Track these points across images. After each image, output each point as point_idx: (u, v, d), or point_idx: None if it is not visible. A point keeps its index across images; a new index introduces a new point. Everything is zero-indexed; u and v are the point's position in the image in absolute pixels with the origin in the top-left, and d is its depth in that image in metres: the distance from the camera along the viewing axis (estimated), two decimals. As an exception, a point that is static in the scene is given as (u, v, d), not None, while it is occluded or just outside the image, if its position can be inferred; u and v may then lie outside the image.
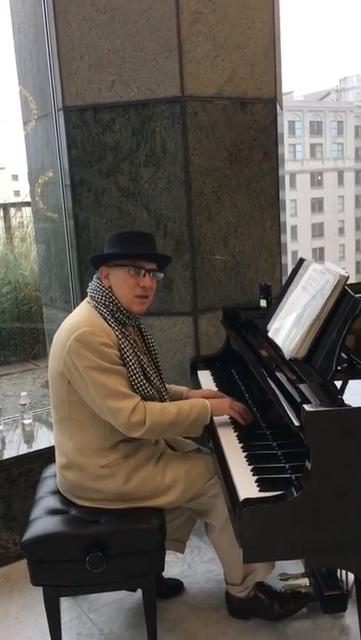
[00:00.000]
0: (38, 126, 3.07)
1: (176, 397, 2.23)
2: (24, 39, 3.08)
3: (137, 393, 1.97)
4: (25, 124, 3.21)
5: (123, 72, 2.68)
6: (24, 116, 3.21)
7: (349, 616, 2.16)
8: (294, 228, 45.22)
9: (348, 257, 49.02)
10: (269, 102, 2.94)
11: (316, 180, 49.14)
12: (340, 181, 50.63)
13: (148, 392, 2.00)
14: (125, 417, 1.90)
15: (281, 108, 3.04)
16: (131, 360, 1.97)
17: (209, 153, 2.77)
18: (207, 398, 2.13)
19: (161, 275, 2.14)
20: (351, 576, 2.12)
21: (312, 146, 49.49)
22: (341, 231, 49.99)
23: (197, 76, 2.69)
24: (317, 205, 49.04)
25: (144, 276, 2.04)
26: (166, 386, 2.30)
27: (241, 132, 2.85)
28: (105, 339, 1.94)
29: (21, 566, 2.32)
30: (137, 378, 1.98)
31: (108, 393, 1.91)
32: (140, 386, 1.98)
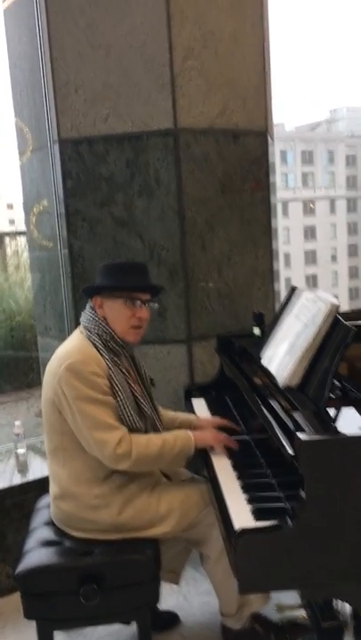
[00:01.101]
0: (34, 157, 3.12)
1: (183, 426, 2.23)
2: (20, 73, 3.14)
3: (125, 425, 1.97)
4: (21, 154, 3.26)
5: (117, 105, 2.73)
6: (20, 147, 3.26)
7: (347, 647, 2.13)
8: (287, 256, 45.59)
9: (342, 284, 49.36)
10: (261, 134, 3.00)
11: (308, 207, 49.72)
12: (333, 209, 51.25)
13: (136, 424, 2.00)
14: (111, 449, 1.90)
15: (272, 139, 3.10)
16: (121, 391, 1.98)
17: (202, 183, 2.82)
18: (216, 426, 2.15)
19: (155, 305, 2.16)
20: (348, 606, 2.10)
21: (304, 174, 50.21)
22: (334, 258, 50.43)
23: (190, 109, 2.75)
24: (310, 233, 49.54)
25: (140, 307, 2.06)
26: (174, 413, 2.31)
27: (233, 163, 2.90)
28: (95, 368, 1.95)
29: (15, 599, 2.28)
30: (125, 409, 1.98)
31: (94, 424, 1.91)
32: (129, 418, 1.98)
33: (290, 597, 2.23)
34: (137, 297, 2.06)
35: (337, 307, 1.85)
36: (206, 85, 2.77)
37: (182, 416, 2.33)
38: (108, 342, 2.03)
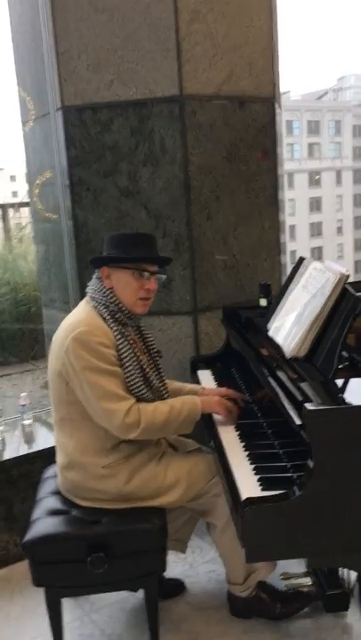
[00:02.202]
0: (36, 126, 3.06)
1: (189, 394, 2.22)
2: (21, 39, 3.07)
3: (132, 395, 1.97)
4: (23, 124, 3.20)
5: (121, 71, 2.67)
6: (22, 117, 3.20)
7: (352, 615, 2.16)
8: (293, 228, 45.27)
9: (347, 256, 49.07)
10: (268, 101, 2.93)
11: (314, 179, 49.18)
12: (339, 181, 50.67)
13: (143, 394, 2.00)
14: (120, 419, 1.90)
15: (280, 106, 3.04)
16: (128, 361, 1.97)
17: (208, 152, 2.77)
18: (221, 396, 2.15)
19: (164, 276, 2.14)
20: (353, 575, 2.12)
21: (310, 145, 49.53)
22: (340, 230, 50.04)
23: (196, 75, 2.68)
24: (316, 205, 49.08)
25: (148, 278, 2.04)
26: (180, 384, 2.31)
27: (240, 131, 2.84)
28: (102, 338, 1.94)
29: (22, 567, 2.31)
30: (133, 379, 1.98)
31: (102, 394, 1.91)
32: (136, 387, 1.98)
33: (296, 566, 2.25)
34: (145, 268, 2.04)
35: (346, 277, 1.83)
36: (213, 50, 2.70)
37: (188, 386, 2.33)
38: (116, 313, 2.02)
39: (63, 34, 2.69)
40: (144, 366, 2.05)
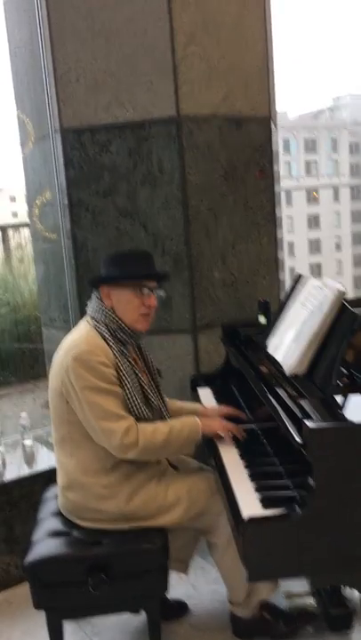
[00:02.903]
0: (36, 148, 3.10)
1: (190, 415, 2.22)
2: (20, 62, 3.11)
3: (132, 414, 1.97)
4: (22, 146, 3.24)
5: (119, 93, 2.71)
6: (21, 139, 3.24)
7: (356, 633, 2.13)
8: (291, 245, 45.46)
9: (346, 272, 49.21)
10: (264, 121, 2.97)
11: (311, 196, 49.51)
12: (336, 197, 51.00)
13: (143, 413, 2.00)
14: (118, 438, 1.90)
15: (275, 126, 3.07)
16: (128, 380, 1.98)
17: (205, 172, 2.80)
18: (222, 415, 2.14)
19: (163, 293, 2.15)
20: (357, 593, 2.10)
21: (307, 163, 49.93)
22: (338, 247, 50.25)
23: (192, 96, 2.72)
24: (314, 221, 49.34)
25: (148, 295, 2.05)
26: (181, 403, 2.31)
27: (237, 150, 2.88)
28: (103, 358, 1.95)
29: (24, 589, 2.29)
30: (133, 399, 1.98)
31: (101, 413, 1.91)
32: (136, 407, 1.98)
33: (298, 585, 2.23)
34: (145, 285, 2.05)
35: (343, 293, 1.84)
36: (209, 71, 2.74)
37: (189, 405, 2.33)
38: (116, 332, 2.03)
39: (61, 57, 2.73)
40: (144, 385, 2.06)
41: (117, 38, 2.67)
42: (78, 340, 1.99)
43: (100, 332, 2.01)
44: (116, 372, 1.96)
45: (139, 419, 1.98)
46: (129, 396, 1.97)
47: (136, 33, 2.65)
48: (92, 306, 2.09)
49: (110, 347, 1.99)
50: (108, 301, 2.06)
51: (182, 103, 2.70)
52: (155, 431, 1.97)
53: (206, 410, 2.29)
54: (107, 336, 2.01)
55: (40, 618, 1.99)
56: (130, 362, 2.03)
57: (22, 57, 3.07)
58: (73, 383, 1.92)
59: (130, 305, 2.04)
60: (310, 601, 2.18)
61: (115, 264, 2.09)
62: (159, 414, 2.11)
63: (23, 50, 3.04)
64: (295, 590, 2.20)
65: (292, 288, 2.22)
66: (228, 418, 2.18)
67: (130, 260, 2.10)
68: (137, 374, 2.04)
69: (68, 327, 2.91)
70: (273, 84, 3.03)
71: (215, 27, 2.74)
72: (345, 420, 1.58)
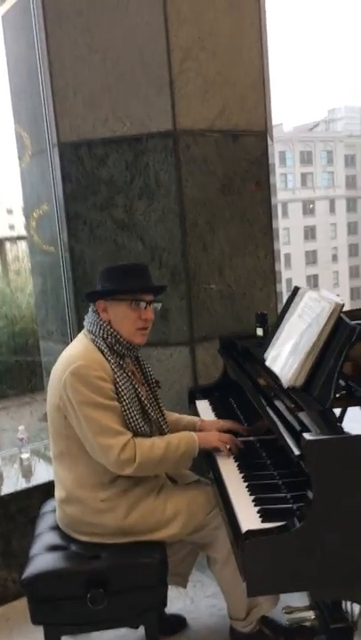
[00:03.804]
0: (33, 162, 3.11)
1: (188, 428, 2.22)
2: (18, 77, 3.14)
3: (130, 429, 1.97)
4: (20, 159, 3.25)
5: (115, 108, 2.73)
6: (19, 152, 3.26)
7: (356, 649, 2.11)
8: (288, 256, 45.56)
9: (343, 284, 49.32)
10: (260, 134, 2.99)
11: (308, 208, 49.73)
12: (332, 209, 51.22)
13: (141, 428, 1.99)
14: (115, 454, 1.90)
15: (271, 139, 3.10)
16: (126, 394, 1.97)
17: (202, 185, 2.81)
18: (220, 428, 2.14)
19: (159, 305, 2.16)
20: (357, 607, 2.09)
21: (303, 175, 50.20)
22: (335, 258, 50.39)
23: (189, 110, 2.74)
24: (310, 233, 49.52)
25: (145, 308, 2.05)
26: (178, 416, 2.30)
27: (233, 163, 2.89)
28: (100, 372, 1.94)
29: (21, 605, 2.27)
30: (130, 414, 1.97)
31: (98, 429, 1.91)
32: (134, 422, 1.98)
33: (299, 599, 2.22)
34: (141, 299, 2.05)
35: (341, 306, 1.84)
36: (205, 86, 2.76)
37: (187, 419, 2.32)
38: (114, 345, 2.03)
39: (58, 72, 2.76)
40: (142, 398, 2.05)
41: (114, 54, 2.69)
42: (76, 354, 1.99)
43: (97, 346, 2.01)
44: (114, 386, 1.96)
45: (136, 434, 1.97)
46: (126, 410, 1.97)
47: (133, 48, 2.68)
48: (90, 320, 2.09)
49: (108, 360, 1.99)
50: (105, 315, 2.06)
51: (179, 117, 2.72)
52: (152, 447, 1.96)
53: (205, 423, 2.28)
54: (104, 350, 2.01)
55: (38, 633, 1.98)
56: (128, 375, 2.03)
57: (20, 71, 3.10)
58: (70, 398, 1.92)
59: (126, 319, 2.04)
60: (310, 616, 2.16)
61: (111, 278, 2.09)
62: (158, 427, 2.10)
63: (21, 64, 3.07)
64: (295, 605, 2.19)
65: (290, 300, 2.22)
66: (227, 431, 2.18)
67: (125, 274, 2.10)
68: (135, 387, 2.04)
69: (65, 340, 2.91)
70: (269, 98, 3.05)
71: (211, 42, 2.76)
72: (343, 432, 1.58)
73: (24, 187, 3.31)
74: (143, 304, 2.05)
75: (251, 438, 2.17)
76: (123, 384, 1.98)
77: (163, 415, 2.16)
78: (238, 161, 2.91)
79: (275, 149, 3.21)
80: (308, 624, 2.15)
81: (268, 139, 3.04)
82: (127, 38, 2.67)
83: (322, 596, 1.94)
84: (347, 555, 1.52)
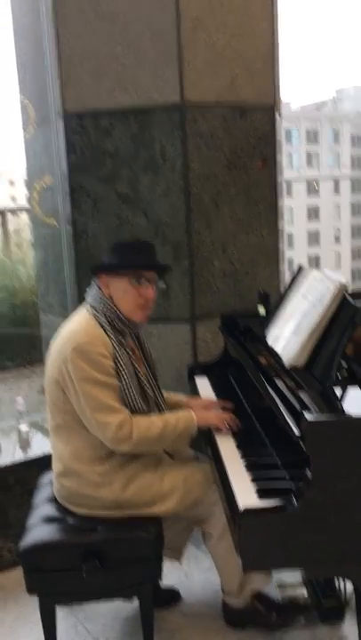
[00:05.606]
0: (37, 132, 3.06)
1: (175, 406, 2.22)
2: (23, 45, 3.07)
3: (128, 406, 1.97)
4: (24, 129, 3.20)
5: (122, 78, 2.67)
6: (23, 123, 3.20)
7: (347, 626, 2.14)
8: (291, 236, 45.39)
9: (345, 264, 49.21)
10: (269, 110, 2.94)
11: (312, 187, 49.36)
12: (337, 189, 50.87)
13: (139, 406, 1.99)
14: (112, 431, 1.90)
15: (280, 115, 3.05)
16: (125, 372, 1.97)
17: (208, 160, 2.77)
18: (208, 407, 2.12)
19: (162, 284, 2.13)
20: (349, 585, 2.11)
21: (308, 154, 49.73)
22: (338, 239, 50.21)
23: (197, 83, 2.69)
24: (314, 213, 49.24)
25: (146, 286, 2.03)
26: (174, 395, 2.29)
27: (240, 139, 2.85)
28: (102, 349, 1.94)
29: (17, 574, 2.30)
30: (129, 391, 1.97)
31: (97, 406, 1.90)
32: (132, 399, 1.98)
33: (291, 575, 2.24)
34: (143, 275, 2.03)
35: (345, 287, 1.83)
36: (214, 58, 2.71)
37: (173, 397, 2.31)
38: (114, 321, 2.02)
39: (65, 40, 2.70)
40: (140, 376, 2.05)
41: (122, 22, 2.63)
42: (78, 329, 1.98)
43: (98, 322, 2.00)
44: (114, 362, 1.96)
45: (134, 411, 1.97)
46: (125, 387, 1.96)
47: (141, 17, 2.62)
48: (92, 294, 2.08)
49: (109, 336, 1.98)
50: (107, 290, 2.05)
51: (186, 90, 2.67)
52: (149, 425, 1.97)
53: (191, 401, 2.28)
54: (105, 325, 1.99)
55: (33, 602, 2.00)
56: (128, 352, 2.02)
57: (25, 40, 3.04)
58: (71, 373, 1.91)
59: (126, 295, 2.03)
60: (303, 592, 2.19)
61: (115, 253, 2.07)
62: (156, 405, 2.10)
63: (26, 32, 3.01)
64: (288, 581, 2.22)
65: (294, 280, 2.21)
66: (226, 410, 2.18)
67: (130, 250, 2.08)
68: (134, 365, 2.04)
69: (65, 313, 2.90)
70: (278, 73, 2.99)
71: (222, 13, 2.70)
72: (343, 413, 1.57)
73: (27, 158, 3.26)
74: (145, 281, 2.03)
75: (250, 416, 2.17)
76: (122, 361, 1.97)
77: (161, 394, 2.16)
78: (245, 137, 2.87)
79: (282, 127, 3.16)
80: (300, 600, 2.18)
81: (277, 115, 2.99)
82: (136, 5, 2.61)
83: (316, 574, 1.96)
84: (341, 533, 1.52)
